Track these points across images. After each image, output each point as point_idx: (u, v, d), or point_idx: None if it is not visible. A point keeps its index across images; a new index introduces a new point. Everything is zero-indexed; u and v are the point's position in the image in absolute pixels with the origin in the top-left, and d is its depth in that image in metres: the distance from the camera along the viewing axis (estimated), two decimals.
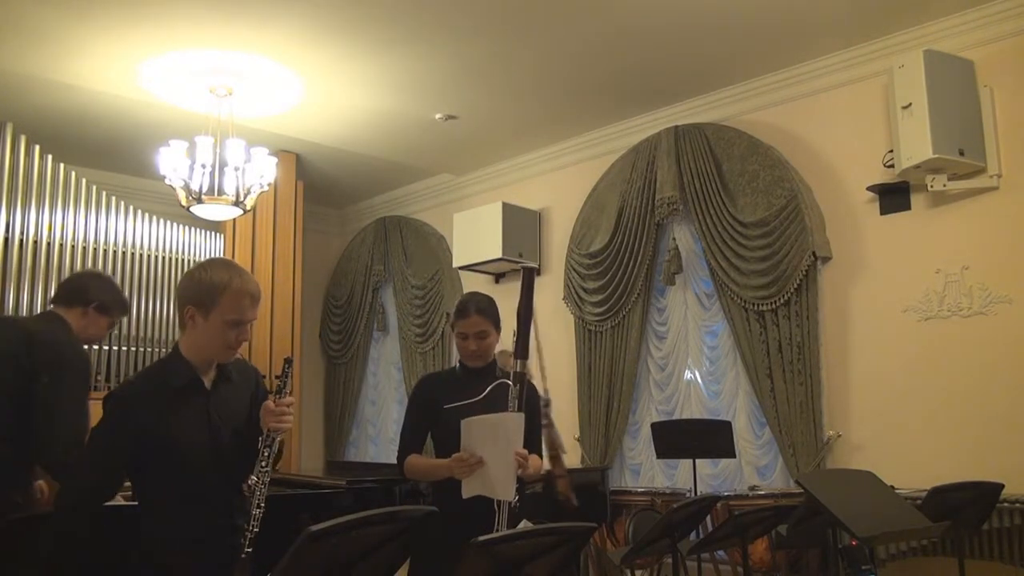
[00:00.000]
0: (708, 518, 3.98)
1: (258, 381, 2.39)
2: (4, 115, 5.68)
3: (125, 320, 6.15)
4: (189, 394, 2.15)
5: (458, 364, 2.90)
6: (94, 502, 2.08)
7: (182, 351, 2.20)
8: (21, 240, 5.74)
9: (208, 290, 2.14)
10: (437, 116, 5.88)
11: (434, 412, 2.80)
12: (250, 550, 1.97)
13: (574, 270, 6.12)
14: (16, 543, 2.19)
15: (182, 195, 5.12)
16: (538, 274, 6.13)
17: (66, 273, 5.90)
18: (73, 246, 5.98)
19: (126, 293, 6.13)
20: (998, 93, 4.39)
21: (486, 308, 2.84)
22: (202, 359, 2.18)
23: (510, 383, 2.61)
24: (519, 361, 2.61)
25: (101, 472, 2.08)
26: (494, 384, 2.76)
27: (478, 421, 2.54)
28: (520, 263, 6.44)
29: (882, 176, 4.75)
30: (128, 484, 2.21)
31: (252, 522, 2.02)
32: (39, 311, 5.73)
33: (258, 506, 2.02)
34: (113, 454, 2.07)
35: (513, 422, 2.54)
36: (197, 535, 2.06)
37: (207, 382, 2.20)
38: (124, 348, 6.10)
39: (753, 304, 5.07)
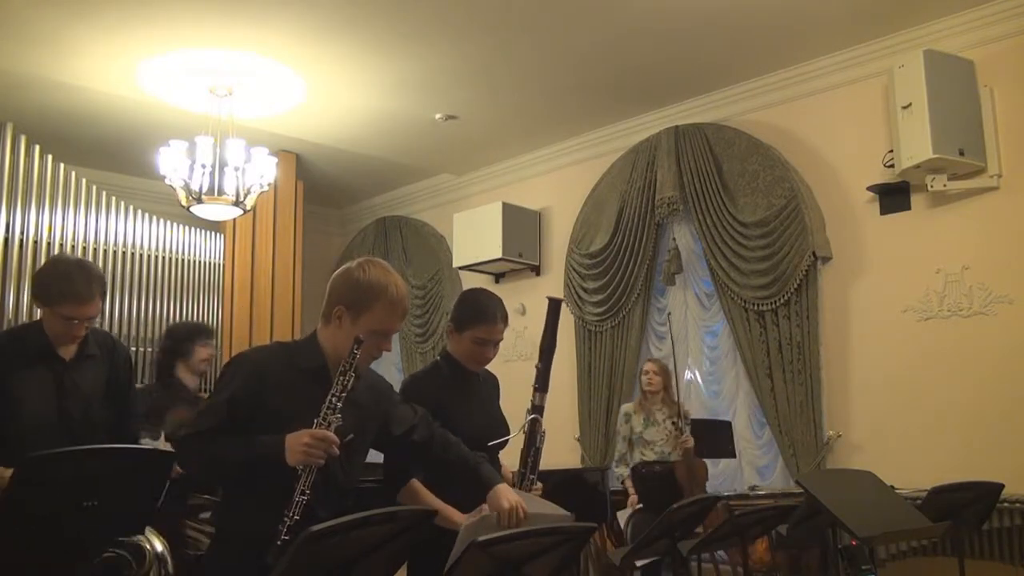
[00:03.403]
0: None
1: (389, 406, 2.27)
2: (4, 115, 5.67)
3: (126, 320, 6.16)
4: (311, 380, 2.04)
5: (441, 360, 2.65)
6: (208, 441, 2.01)
7: (319, 339, 2.12)
8: (21, 240, 5.74)
9: (363, 292, 2.05)
10: (437, 116, 5.88)
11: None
12: (287, 538, 1.87)
13: (574, 270, 6.12)
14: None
15: (182, 195, 5.12)
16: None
17: None
18: (73, 246, 5.98)
19: (126, 293, 6.19)
20: (998, 93, 4.39)
21: (507, 315, 2.64)
22: (337, 356, 2.05)
23: (539, 418, 2.50)
24: (539, 394, 2.52)
25: (214, 421, 2.01)
26: (530, 419, 2.53)
27: (547, 509, 2.35)
28: (520, 262, 6.46)
29: (882, 176, 4.75)
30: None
31: (294, 508, 1.90)
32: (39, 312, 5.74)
33: (302, 493, 1.91)
34: (223, 410, 2.01)
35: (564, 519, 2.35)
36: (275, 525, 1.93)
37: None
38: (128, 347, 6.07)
39: (753, 304, 5.07)
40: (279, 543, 1.87)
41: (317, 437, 1.91)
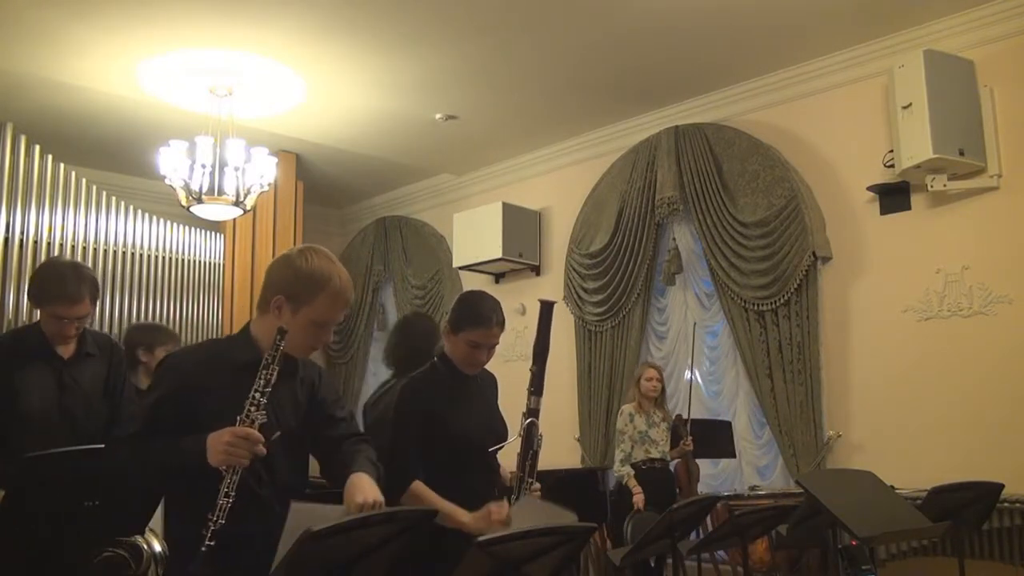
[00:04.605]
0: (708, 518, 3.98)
1: (316, 380, 2.16)
2: (4, 115, 5.67)
3: (126, 321, 6.15)
4: (245, 376, 1.91)
5: (438, 361, 2.62)
6: (133, 446, 1.95)
7: (252, 332, 2.04)
8: (21, 240, 5.74)
9: (306, 282, 1.96)
10: (437, 116, 5.88)
11: (431, 426, 2.50)
12: (212, 543, 1.77)
13: (574, 270, 6.12)
14: None
15: (182, 195, 5.12)
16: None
17: None
18: (73, 246, 5.98)
19: (126, 293, 6.19)
20: (998, 93, 4.39)
21: (503, 319, 2.59)
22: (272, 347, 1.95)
23: (536, 421, 2.50)
24: (534, 398, 2.51)
25: (141, 425, 1.96)
26: (527, 423, 2.52)
27: (542, 507, 2.38)
28: (520, 262, 6.46)
29: (882, 176, 4.74)
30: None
31: (217, 512, 1.79)
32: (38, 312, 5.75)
33: (225, 495, 1.80)
34: (156, 415, 1.94)
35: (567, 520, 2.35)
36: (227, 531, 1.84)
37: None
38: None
39: (753, 304, 5.07)
40: (203, 548, 1.77)
41: (239, 435, 1.82)
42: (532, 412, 2.50)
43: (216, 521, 1.79)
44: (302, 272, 1.98)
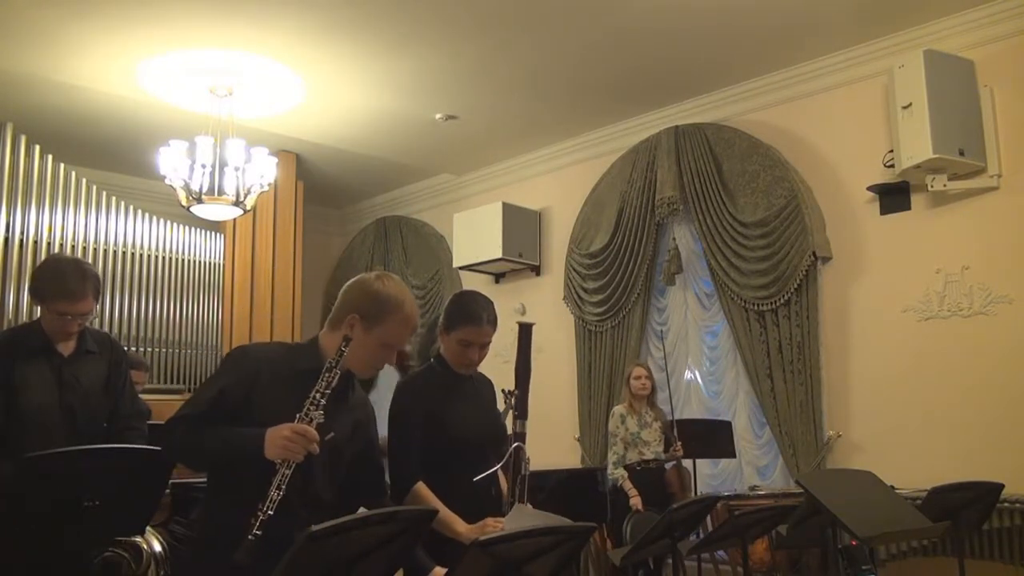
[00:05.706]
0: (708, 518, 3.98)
1: (366, 420, 2.25)
2: (4, 115, 5.68)
3: (126, 320, 6.16)
4: (306, 382, 1.98)
5: (435, 362, 2.63)
6: (191, 427, 1.99)
7: (320, 342, 2.12)
8: (21, 240, 5.74)
9: (381, 305, 2.06)
10: (437, 116, 5.88)
11: (429, 426, 2.50)
12: (259, 532, 1.83)
13: (574, 270, 6.12)
14: None
15: (182, 195, 5.12)
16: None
17: None
18: (73, 246, 5.98)
19: (126, 293, 6.19)
20: (998, 93, 4.39)
21: (495, 318, 2.58)
22: (341, 364, 2.02)
23: (522, 445, 2.48)
24: (519, 421, 2.49)
25: (201, 409, 2.01)
26: (514, 447, 2.51)
27: (536, 515, 2.38)
28: (520, 262, 6.47)
29: (882, 176, 4.75)
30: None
31: (267, 504, 1.86)
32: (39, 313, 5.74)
33: (278, 488, 1.87)
34: (213, 399, 2.01)
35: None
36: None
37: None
38: (124, 348, 6.07)
39: (753, 304, 5.07)
40: (250, 537, 1.83)
41: (298, 431, 1.89)
42: (518, 436, 2.48)
43: (266, 512, 1.86)
44: (380, 295, 2.08)
